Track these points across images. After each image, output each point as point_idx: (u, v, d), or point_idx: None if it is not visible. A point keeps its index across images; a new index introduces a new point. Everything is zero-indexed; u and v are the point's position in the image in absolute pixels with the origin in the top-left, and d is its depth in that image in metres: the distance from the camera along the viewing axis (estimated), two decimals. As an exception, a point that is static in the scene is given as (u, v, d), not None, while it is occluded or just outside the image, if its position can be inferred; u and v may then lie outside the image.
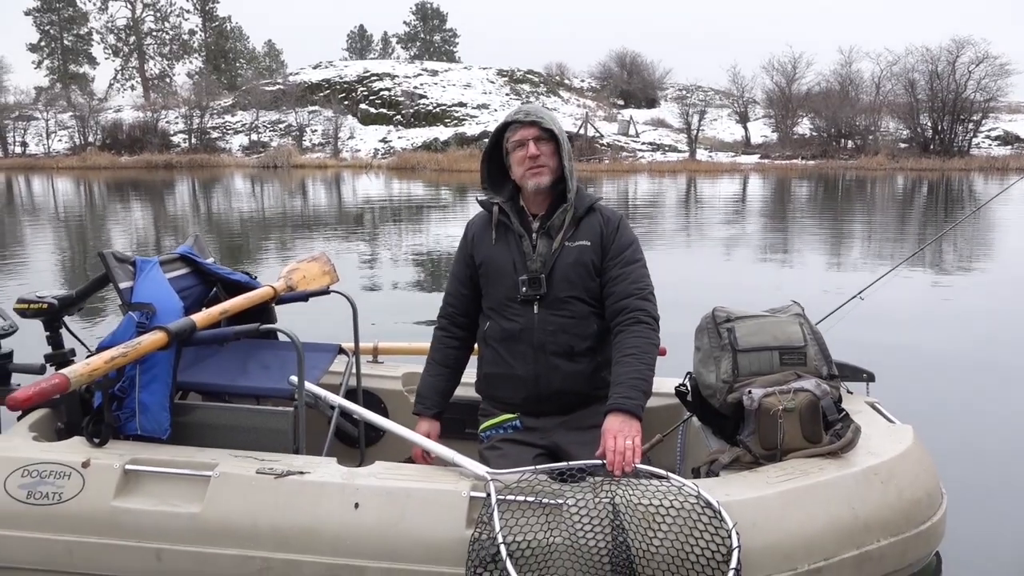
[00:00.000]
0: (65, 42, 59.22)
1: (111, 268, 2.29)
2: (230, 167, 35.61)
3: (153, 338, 2.10)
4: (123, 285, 2.30)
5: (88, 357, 2.13)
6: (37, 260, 9.41)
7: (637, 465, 2.07)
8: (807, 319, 2.56)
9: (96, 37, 59.81)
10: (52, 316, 2.47)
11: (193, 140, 40.90)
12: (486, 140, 2.54)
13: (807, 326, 2.52)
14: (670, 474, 2.08)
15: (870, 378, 2.72)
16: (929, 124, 37.70)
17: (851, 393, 2.67)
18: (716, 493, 2.01)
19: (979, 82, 36.79)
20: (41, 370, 2.44)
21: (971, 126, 37.18)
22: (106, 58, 60.21)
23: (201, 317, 2.29)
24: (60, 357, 2.52)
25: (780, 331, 2.48)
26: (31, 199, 19.75)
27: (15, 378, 2.48)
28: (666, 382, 2.77)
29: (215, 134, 41.99)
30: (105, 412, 2.17)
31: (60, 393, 1.88)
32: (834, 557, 2.05)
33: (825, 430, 2.29)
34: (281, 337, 2.80)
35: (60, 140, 40.87)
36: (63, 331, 2.58)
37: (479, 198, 2.50)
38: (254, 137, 41.22)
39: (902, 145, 37.78)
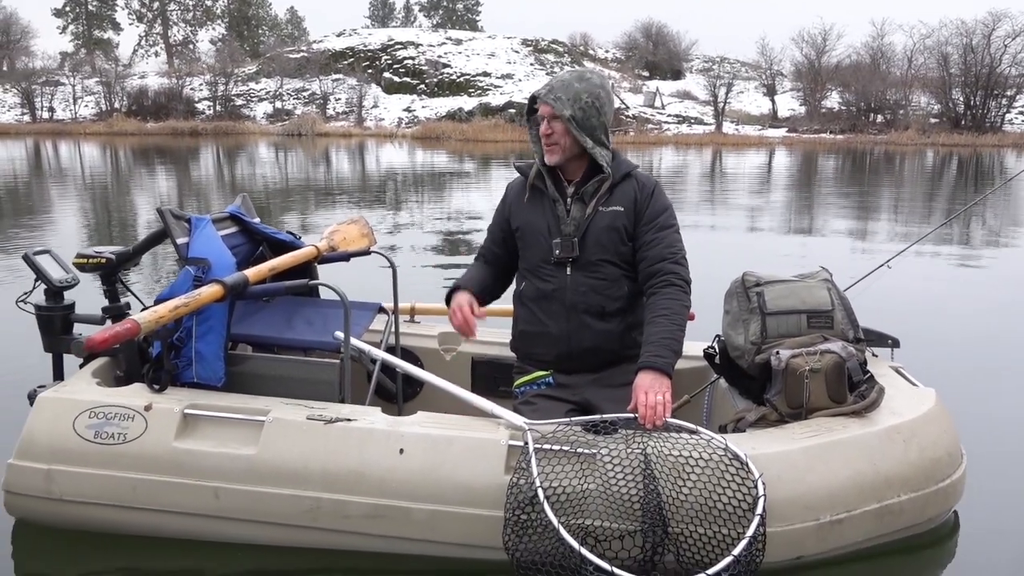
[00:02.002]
0: (90, 7, 59.47)
1: (169, 224, 2.41)
2: (255, 135, 35.79)
3: (211, 290, 2.22)
4: (180, 241, 2.42)
5: (143, 310, 2.25)
6: (71, 221, 9.62)
7: (668, 419, 2.17)
8: (835, 285, 2.63)
9: (120, 2, 60.07)
10: (110, 271, 2.60)
11: (217, 107, 41.08)
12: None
13: (835, 291, 2.59)
14: (699, 428, 2.18)
15: (895, 344, 2.79)
16: (961, 99, 36.99)
17: (876, 356, 2.74)
18: (743, 447, 2.11)
19: (1015, 56, 36.02)
20: (101, 321, 2.57)
21: (1004, 101, 36.42)
22: (130, 24, 60.49)
23: (252, 272, 2.41)
24: (116, 310, 2.64)
25: (808, 295, 2.55)
26: (58, 164, 20.02)
27: (76, 328, 2.61)
28: (694, 346, 2.85)
29: (239, 101, 42.13)
30: (164, 360, 2.30)
31: (131, 337, 2.01)
32: (855, 509, 2.15)
33: (850, 391, 2.37)
34: (325, 295, 2.91)
35: (87, 106, 41.22)
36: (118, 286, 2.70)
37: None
38: (278, 105, 41.31)
39: (932, 120, 37.11)
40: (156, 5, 59.35)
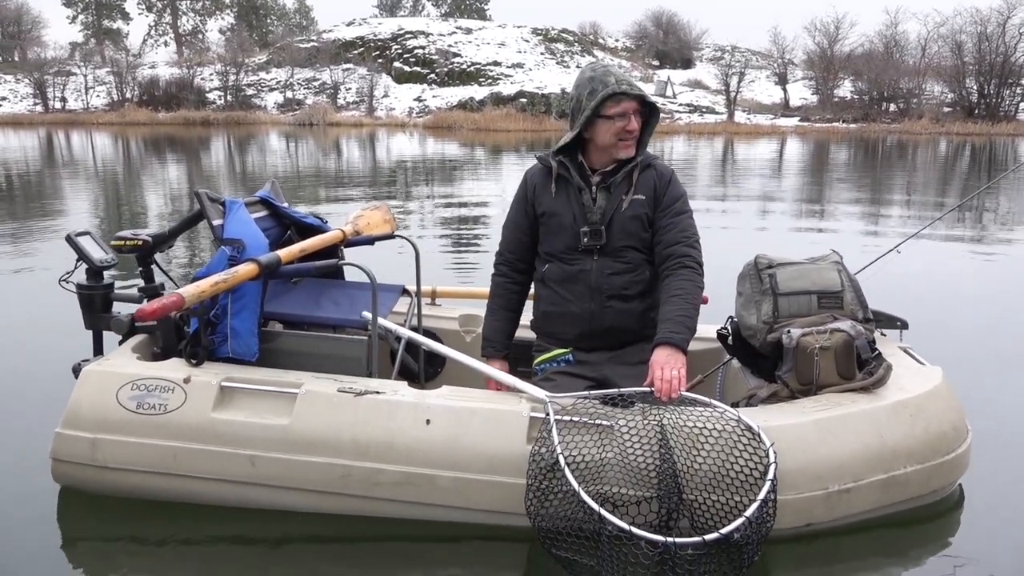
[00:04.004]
0: (99, -3, 59.59)
1: (206, 206, 2.51)
2: (266, 124, 35.92)
3: (247, 268, 2.33)
4: (216, 222, 2.52)
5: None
6: (85, 208, 9.77)
7: (683, 393, 2.26)
8: (845, 267, 2.71)
9: (129, -9, 60.07)
10: (146, 252, 2.71)
11: (228, 97, 41.23)
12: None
13: (845, 273, 2.68)
14: (713, 401, 2.28)
15: (904, 325, 2.87)
16: (975, 88, 36.73)
17: (884, 336, 2.82)
18: (755, 419, 2.20)
19: (1029, 44, 35.69)
20: (139, 300, 2.68)
21: (1019, 90, 36.14)
22: (140, 13, 60.53)
23: (284, 253, 2.52)
24: (152, 290, 2.76)
25: (819, 276, 2.64)
26: (70, 153, 20.20)
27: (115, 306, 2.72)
28: (708, 328, 2.93)
29: (250, 91, 42.24)
30: (202, 336, 2.42)
31: (178, 309, 2.12)
32: (863, 480, 2.24)
33: (859, 368, 2.46)
34: (351, 276, 3.02)
35: (98, 96, 41.42)
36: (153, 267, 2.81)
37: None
38: (289, 95, 41.42)
39: (946, 109, 36.88)
40: (165, -6, 59.42)
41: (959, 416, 2.47)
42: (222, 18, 61.69)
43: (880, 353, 2.53)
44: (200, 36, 60.03)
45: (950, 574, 2.22)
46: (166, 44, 58.75)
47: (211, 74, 42.81)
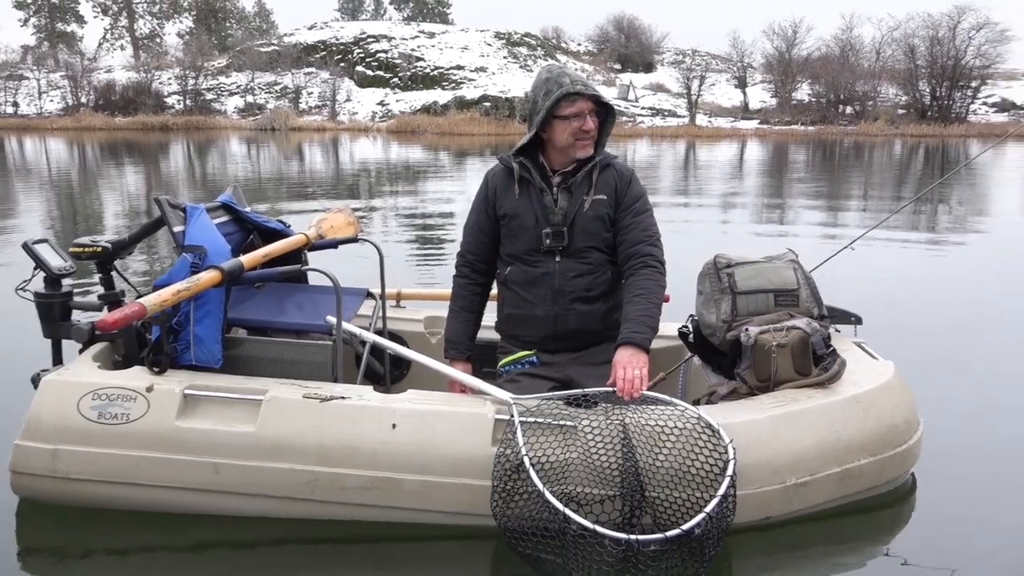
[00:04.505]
0: (52, -1, 58.32)
1: (167, 213, 2.49)
2: (226, 129, 35.48)
3: (209, 276, 2.32)
4: (176, 229, 2.51)
5: (138, 297, 2.34)
6: (38, 215, 9.57)
7: (645, 392, 2.31)
8: (800, 265, 2.78)
9: (84, -7, 58.96)
10: (106, 259, 2.68)
11: (188, 102, 40.61)
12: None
13: (800, 271, 2.75)
14: (674, 400, 2.33)
15: (858, 321, 2.95)
16: (928, 90, 37.70)
17: (839, 332, 2.90)
18: (715, 417, 2.26)
19: (979, 48, 36.85)
20: (99, 308, 2.65)
21: (969, 92, 37.20)
22: (95, 16, 59.36)
23: (247, 259, 2.51)
24: (112, 297, 2.72)
25: (776, 275, 2.71)
26: (23, 159, 19.74)
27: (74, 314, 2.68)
28: (670, 326, 2.99)
29: (210, 96, 41.67)
30: (164, 343, 2.40)
31: (139, 318, 2.11)
32: (819, 473, 2.31)
33: (815, 364, 2.53)
34: (315, 281, 3.01)
35: (52, 100, 40.49)
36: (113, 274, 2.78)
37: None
38: (249, 99, 40.94)
39: (900, 111, 37.79)
40: (121, -3, 58.35)
41: (911, 409, 2.56)
42: (180, 21, 60.78)
43: (835, 349, 2.60)
44: (158, 40, 59.04)
45: (903, 561, 2.29)
46: (123, 48, 57.68)
47: (170, 78, 42.11)
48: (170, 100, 40.84)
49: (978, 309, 5.22)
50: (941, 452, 2.81)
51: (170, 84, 41.75)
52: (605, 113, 2.55)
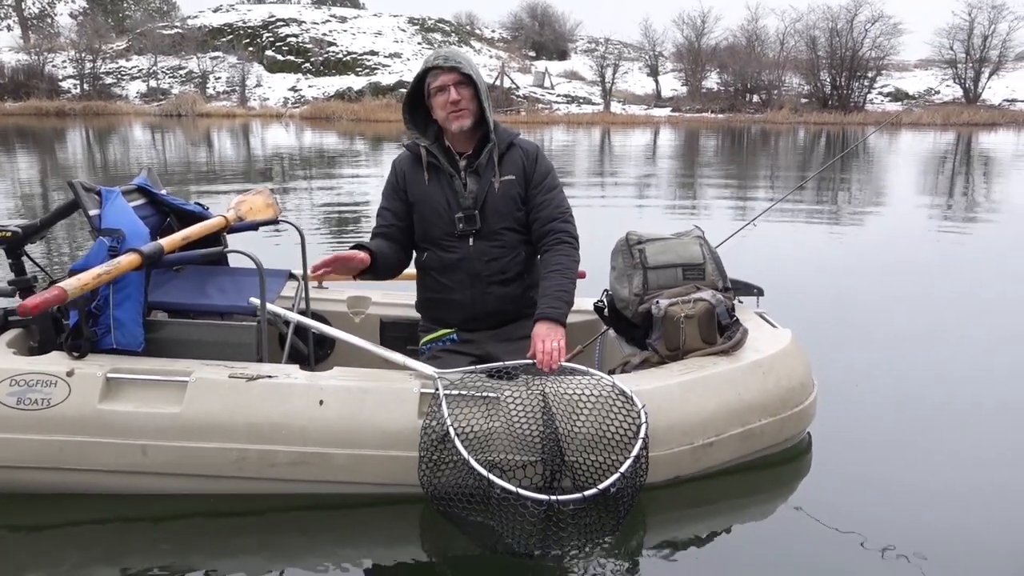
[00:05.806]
0: (-74, -27, 54.28)
1: (81, 196, 2.46)
2: (129, 115, 33.98)
3: (129, 259, 2.31)
4: (92, 212, 2.47)
5: (51, 283, 2.31)
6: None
7: (563, 364, 2.43)
8: (707, 241, 2.96)
9: (-36, -30, 55.07)
10: (16, 244, 2.62)
11: (85, 86, 38.63)
12: (403, 90, 2.73)
13: (706, 247, 2.93)
14: (590, 369, 2.46)
15: (760, 292, 3.16)
16: (828, 80, 39.47)
17: (742, 303, 3.10)
18: (629, 384, 2.40)
19: (874, 40, 38.82)
20: (11, 294, 2.59)
21: (866, 83, 39.16)
22: (-24, -6, 55.64)
23: (166, 242, 2.50)
24: (24, 283, 2.66)
25: (683, 251, 2.87)
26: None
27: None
28: (585, 301, 3.13)
29: (109, 80, 39.78)
30: (83, 327, 2.37)
31: (60, 303, 2.08)
32: (724, 433, 2.49)
33: (720, 333, 2.72)
34: (236, 263, 3.01)
35: (-70, 83, 37.84)
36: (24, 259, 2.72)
37: (405, 142, 2.70)
38: (152, 84, 39.29)
39: (803, 100, 39.45)
40: (7, -26, 54.80)
41: (806, 372, 2.77)
42: (72, 1, 57.52)
43: (738, 319, 2.80)
44: (49, 20, 55.73)
45: (801, 510, 2.50)
46: (9, 28, 54.21)
47: (64, 62, 39.94)
48: (65, 84, 38.78)
49: (868, 280, 5.62)
50: (834, 412, 3.05)
51: (65, 67, 39.62)
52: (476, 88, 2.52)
